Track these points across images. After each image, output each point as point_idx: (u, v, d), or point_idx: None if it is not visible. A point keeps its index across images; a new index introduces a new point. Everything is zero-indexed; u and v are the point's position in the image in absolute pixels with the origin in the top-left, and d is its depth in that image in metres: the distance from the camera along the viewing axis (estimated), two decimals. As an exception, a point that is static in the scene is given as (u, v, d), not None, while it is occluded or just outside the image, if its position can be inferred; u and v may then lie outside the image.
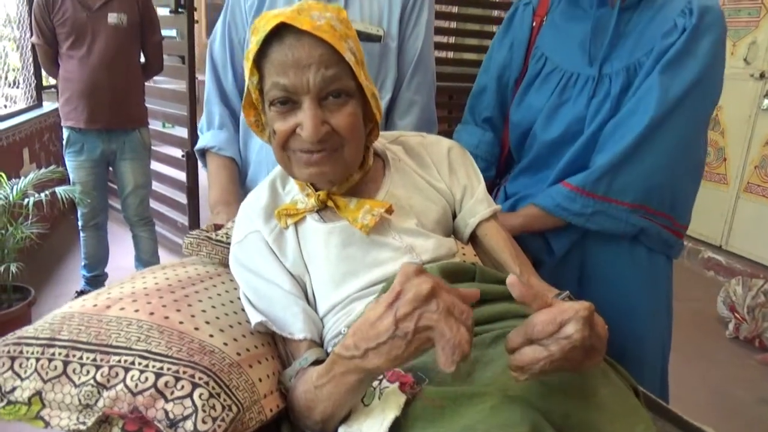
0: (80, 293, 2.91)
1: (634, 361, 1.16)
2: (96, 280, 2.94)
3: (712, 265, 3.77)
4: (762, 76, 3.56)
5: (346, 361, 0.68)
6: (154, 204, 3.42)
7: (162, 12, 3.12)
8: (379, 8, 1.34)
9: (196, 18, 3.30)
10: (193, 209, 3.49)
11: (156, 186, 3.35)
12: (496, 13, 5.05)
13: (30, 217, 2.45)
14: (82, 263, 2.91)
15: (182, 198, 3.54)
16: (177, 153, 3.59)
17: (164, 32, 2.97)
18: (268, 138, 0.96)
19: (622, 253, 1.25)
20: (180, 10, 3.17)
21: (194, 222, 3.51)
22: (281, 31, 0.81)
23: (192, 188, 3.44)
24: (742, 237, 3.75)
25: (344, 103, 0.84)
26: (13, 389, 0.77)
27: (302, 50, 0.80)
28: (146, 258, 3.02)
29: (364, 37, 1.28)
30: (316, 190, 0.92)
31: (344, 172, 0.89)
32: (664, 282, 1.31)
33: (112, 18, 2.63)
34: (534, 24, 1.33)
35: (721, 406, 2.44)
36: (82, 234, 2.86)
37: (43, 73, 3.81)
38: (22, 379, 0.78)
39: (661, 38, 1.14)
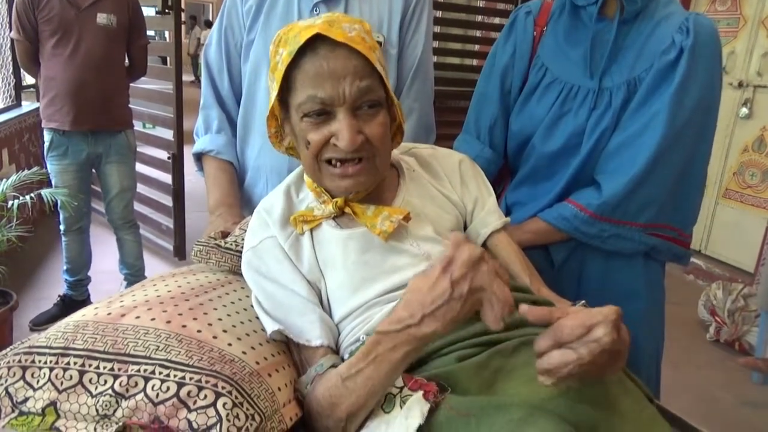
0: (63, 298, 2.86)
1: (631, 367, 1.17)
2: (79, 284, 2.88)
3: (691, 269, 3.84)
4: (740, 85, 3.65)
5: (396, 334, 0.70)
6: (138, 206, 3.37)
7: (148, 12, 3.08)
8: (379, 15, 1.34)
9: (183, 19, 3.27)
10: (178, 212, 3.44)
11: (140, 188, 3.29)
12: (479, 18, 5.10)
13: (14, 220, 2.39)
14: (64, 267, 2.84)
15: (167, 200, 3.49)
16: (161, 154, 3.53)
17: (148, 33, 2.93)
18: (285, 149, 0.96)
19: (618, 260, 1.26)
20: (167, 11, 3.13)
21: (180, 225, 3.46)
22: (314, 42, 0.82)
23: (177, 190, 3.39)
24: (721, 242, 3.83)
25: (376, 113, 0.86)
26: (26, 400, 0.76)
27: (337, 62, 0.82)
28: (131, 261, 2.97)
29: None
30: (333, 197, 0.93)
31: (375, 181, 0.91)
32: (659, 288, 1.33)
33: (102, 18, 2.58)
34: (535, 34, 1.34)
35: (704, 408, 2.49)
36: (64, 238, 2.78)
37: (22, 71, 3.73)
38: (34, 390, 0.76)
39: (660, 55, 1.16)
